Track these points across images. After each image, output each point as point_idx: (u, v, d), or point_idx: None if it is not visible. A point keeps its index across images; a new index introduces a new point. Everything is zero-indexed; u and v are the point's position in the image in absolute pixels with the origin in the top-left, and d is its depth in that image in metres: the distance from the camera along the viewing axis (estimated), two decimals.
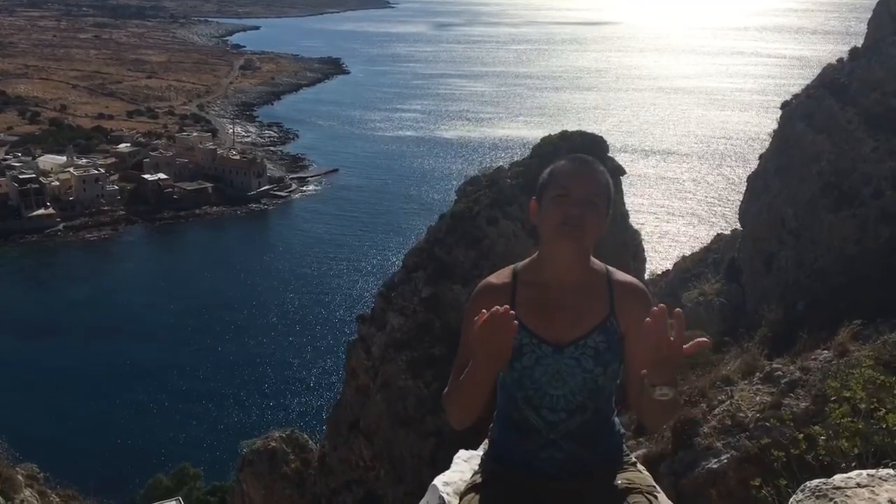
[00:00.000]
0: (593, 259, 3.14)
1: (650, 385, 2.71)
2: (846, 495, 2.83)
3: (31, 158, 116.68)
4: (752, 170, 35.83)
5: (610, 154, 30.35)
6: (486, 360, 2.78)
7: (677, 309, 2.66)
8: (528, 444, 3.13)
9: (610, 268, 3.17)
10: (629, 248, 28.63)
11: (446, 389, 3.08)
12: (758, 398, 10.78)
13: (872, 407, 6.60)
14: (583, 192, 2.98)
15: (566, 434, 3.09)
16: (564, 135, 29.91)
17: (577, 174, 3.03)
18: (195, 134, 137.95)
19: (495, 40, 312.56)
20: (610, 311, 3.07)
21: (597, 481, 3.11)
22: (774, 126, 33.11)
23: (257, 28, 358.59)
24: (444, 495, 3.67)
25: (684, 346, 2.65)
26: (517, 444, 3.16)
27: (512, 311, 2.71)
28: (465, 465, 3.87)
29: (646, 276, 34.50)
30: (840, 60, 31.35)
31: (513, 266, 3.24)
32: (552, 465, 3.12)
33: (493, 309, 2.71)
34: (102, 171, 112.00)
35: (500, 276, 3.22)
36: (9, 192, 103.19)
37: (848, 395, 7.01)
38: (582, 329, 3.04)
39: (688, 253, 51.67)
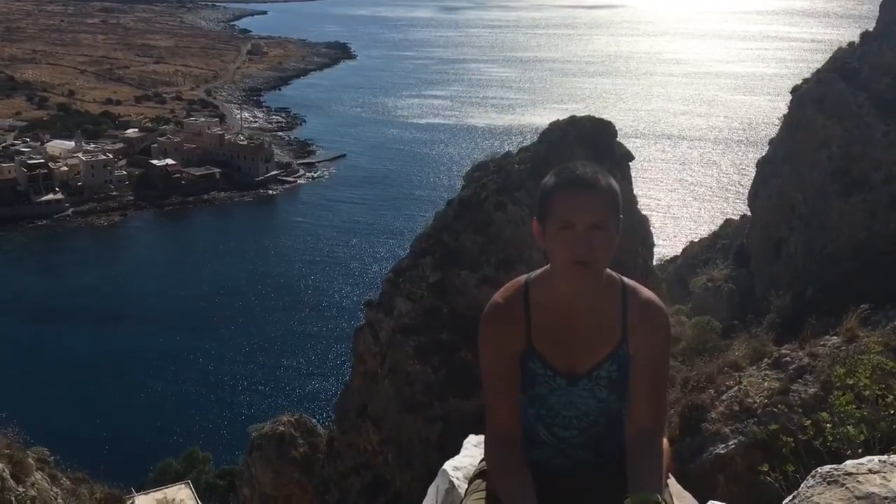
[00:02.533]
0: (608, 271, 2.93)
1: None
2: (858, 481, 2.82)
3: (39, 144, 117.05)
4: (762, 154, 35.67)
5: (619, 139, 30.14)
6: None
7: None
8: (538, 452, 3.10)
9: (626, 281, 2.97)
10: (638, 234, 28.51)
11: (490, 451, 3.01)
12: (766, 384, 10.77)
13: (879, 393, 6.59)
14: (588, 222, 2.71)
15: (577, 446, 3.06)
16: (573, 120, 29.72)
17: (578, 202, 2.72)
18: (203, 119, 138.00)
19: (504, 24, 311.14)
20: (622, 336, 2.91)
21: (606, 472, 3.09)
22: (785, 110, 32.91)
23: (264, 12, 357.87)
24: (454, 479, 3.68)
25: None
26: (527, 450, 3.09)
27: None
28: (474, 451, 3.88)
29: (654, 262, 34.39)
30: (851, 44, 31.07)
31: (525, 278, 3.04)
32: (563, 468, 3.11)
33: None
34: (110, 156, 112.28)
35: (510, 297, 2.99)
36: (17, 177, 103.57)
37: (852, 382, 6.99)
38: (595, 357, 2.91)
39: (696, 238, 51.49)
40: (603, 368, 2.90)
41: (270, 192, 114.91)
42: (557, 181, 2.80)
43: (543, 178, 2.94)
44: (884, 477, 2.79)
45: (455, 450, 4.05)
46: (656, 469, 2.79)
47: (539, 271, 3.00)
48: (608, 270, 2.91)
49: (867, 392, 6.65)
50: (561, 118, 30.54)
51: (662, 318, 2.92)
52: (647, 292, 2.96)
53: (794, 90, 32.21)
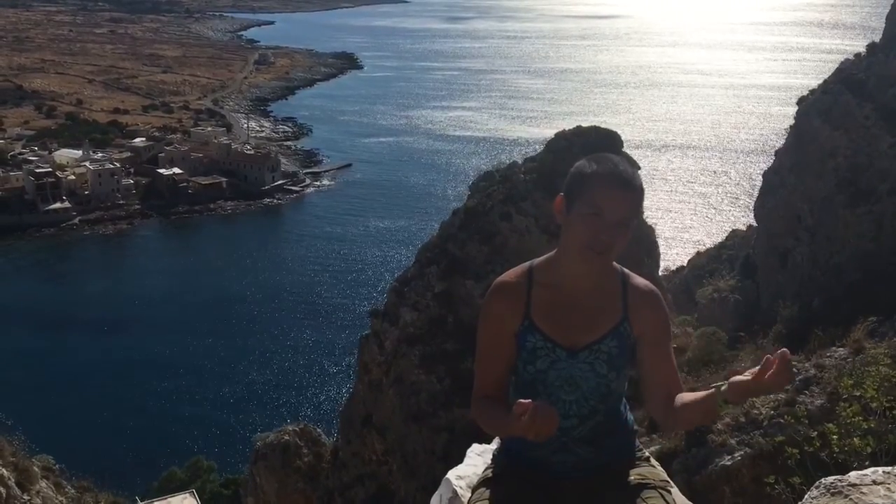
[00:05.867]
0: None
1: (723, 400, 2.74)
2: (861, 492, 2.81)
3: (47, 152, 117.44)
4: (768, 165, 35.65)
5: (625, 149, 30.11)
6: (528, 436, 2.69)
7: (785, 350, 2.61)
8: (540, 449, 3.11)
9: (625, 269, 3.14)
10: (643, 244, 28.45)
11: (476, 407, 3.08)
12: (772, 395, 10.72)
13: (887, 405, 6.56)
14: (617, 216, 2.85)
15: (578, 439, 3.10)
16: (578, 130, 29.69)
17: (613, 195, 2.86)
18: (210, 129, 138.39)
19: (508, 35, 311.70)
20: (623, 315, 3.05)
21: (609, 477, 3.11)
22: (791, 121, 32.89)
23: (272, 23, 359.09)
24: (458, 488, 3.68)
25: (773, 373, 2.61)
26: (528, 447, 3.13)
27: (554, 410, 2.62)
28: (478, 459, 3.88)
29: (660, 273, 34.33)
30: (857, 55, 31.05)
31: (529, 263, 3.20)
32: (564, 466, 3.14)
33: (536, 406, 2.59)
34: (118, 165, 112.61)
35: (515, 275, 3.17)
36: (25, 186, 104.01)
37: (859, 393, 6.97)
38: (596, 333, 3.03)
39: (702, 249, 51.37)
40: (604, 343, 3.03)
41: (276, 201, 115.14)
42: (600, 169, 2.93)
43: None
44: (888, 488, 2.79)
45: (460, 459, 4.05)
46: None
47: (543, 257, 3.17)
48: None
49: (874, 404, 6.63)
50: (567, 128, 30.54)
51: (660, 298, 3.13)
52: (642, 278, 3.17)
53: (800, 101, 32.19)
